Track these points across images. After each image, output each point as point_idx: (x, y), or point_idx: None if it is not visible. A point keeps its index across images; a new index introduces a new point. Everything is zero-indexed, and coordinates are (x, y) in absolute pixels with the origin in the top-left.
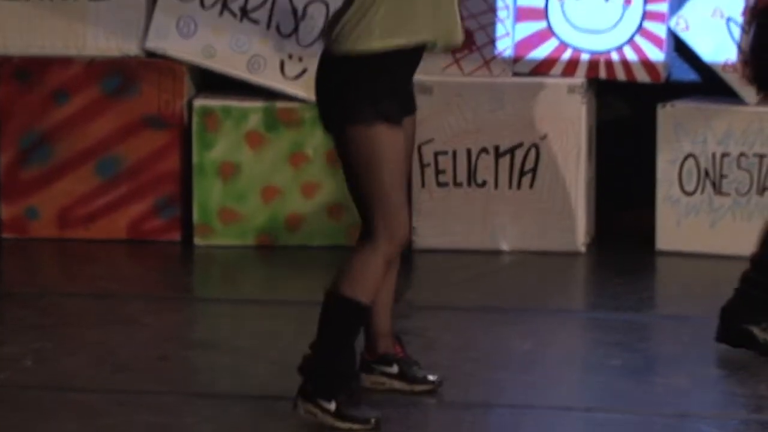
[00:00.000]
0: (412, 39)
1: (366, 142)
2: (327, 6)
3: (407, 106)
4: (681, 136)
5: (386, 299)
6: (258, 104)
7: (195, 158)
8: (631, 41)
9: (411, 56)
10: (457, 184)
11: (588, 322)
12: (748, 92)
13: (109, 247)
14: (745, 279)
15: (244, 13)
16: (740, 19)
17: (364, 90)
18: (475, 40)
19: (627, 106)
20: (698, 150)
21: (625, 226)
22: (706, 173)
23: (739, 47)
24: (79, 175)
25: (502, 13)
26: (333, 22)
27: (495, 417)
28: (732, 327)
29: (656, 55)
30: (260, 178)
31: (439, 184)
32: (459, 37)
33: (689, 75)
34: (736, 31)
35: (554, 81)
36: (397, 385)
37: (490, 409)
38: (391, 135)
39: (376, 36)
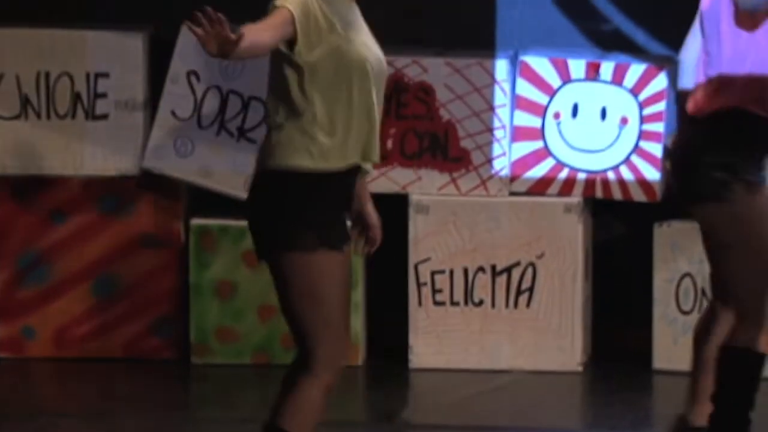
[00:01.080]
0: (345, 161)
1: (306, 270)
2: None
3: (346, 233)
4: (678, 255)
5: None
6: None
7: (192, 277)
8: (627, 161)
9: (346, 179)
10: (454, 303)
11: None
12: None
13: (105, 366)
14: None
15: (242, 132)
16: None
17: (304, 214)
18: (472, 159)
19: (623, 226)
20: (695, 269)
21: (622, 345)
22: (703, 292)
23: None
24: (75, 295)
25: (498, 133)
26: (266, 140)
27: None
28: None
29: (653, 174)
30: (257, 297)
31: (436, 303)
32: (377, 156)
33: None
34: None
35: (551, 200)
36: None
37: None
38: (333, 261)
39: (314, 155)
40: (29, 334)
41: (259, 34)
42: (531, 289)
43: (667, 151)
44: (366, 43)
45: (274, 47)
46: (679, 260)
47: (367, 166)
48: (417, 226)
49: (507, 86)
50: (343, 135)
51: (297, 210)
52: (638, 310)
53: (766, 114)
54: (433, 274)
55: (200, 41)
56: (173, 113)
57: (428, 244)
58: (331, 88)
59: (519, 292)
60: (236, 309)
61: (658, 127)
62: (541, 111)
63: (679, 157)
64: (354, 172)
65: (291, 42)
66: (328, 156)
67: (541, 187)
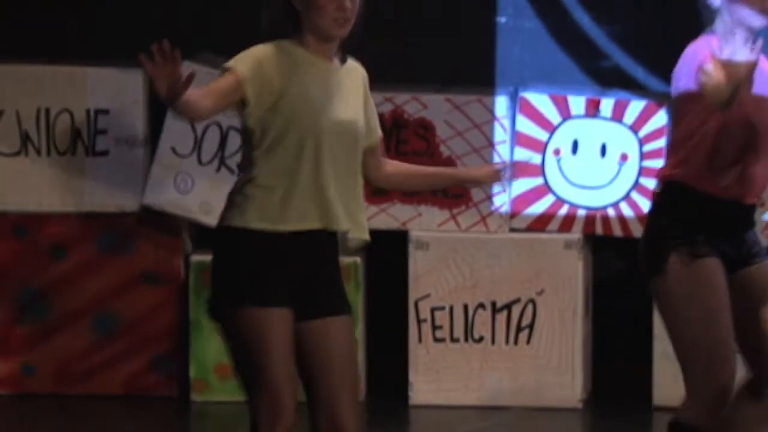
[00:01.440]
0: (285, 224)
1: (235, 327)
2: None
3: (309, 301)
4: None
5: None
6: None
7: (192, 314)
8: (627, 197)
9: (299, 242)
10: (454, 339)
11: None
12: None
13: (105, 403)
14: None
15: None
16: None
17: (232, 271)
18: (472, 196)
19: (623, 262)
20: None
21: (623, 381)
22: None
23: None
24: (75, 332)
25: None
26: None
27: None
28: None
29: None
30: None
31: (436, 340)
32: (341, 225)
33: None
34: None
35: (551, 237)
36: None
37: None
38: (266, 318)
39: (245, 213)
40: (29, 370)
41: (199, 97)
42: (531, 326)
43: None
44: (330, 106)
45: (212, 115)
46: None
47: (354, 234)
48: (417, 262)
49: (507, 123)
50: (283, 199)
51: (227, 266)
52: (638, 347)
53: (701, 189)
54: (433, 310)
55: (151, 77)
56: (173, 150)
57: (428, 281)
58: (278, 150)
59: (519, 329)
60: None
61: (658, 163)
62: (542, 147)
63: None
64: (319, 236)
65: (244, 101)
66: (265, 217)
67: (541, 223)
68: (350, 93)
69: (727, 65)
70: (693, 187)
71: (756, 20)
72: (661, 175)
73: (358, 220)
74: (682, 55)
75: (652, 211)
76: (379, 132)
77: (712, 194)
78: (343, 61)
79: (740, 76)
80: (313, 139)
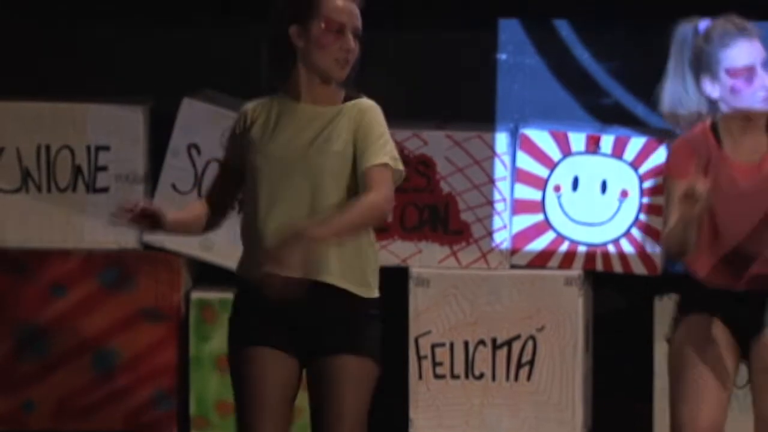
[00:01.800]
0: (250, 273)
1: (230, 367)
2: None
3: (309, 344)
4: None
5: None
6: None
7: (192, 351)
8: (627, 234)
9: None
10: (454, 376)
11: None
12: None
13: None
14: None
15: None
16: None
17: (232, 314)
18: (473, 232)
19: (624, 298)
20: None
21: (623, 418)
22: None
23: None
24: (76, 368)
25: (499, 206)
26: None
27: None
28: None
29: (653, 247)
30: None
31: (436, 376)
32: (296, 271)
33: None
34: None
35: (551, 273)
36: None
37: None
38: (243, 358)
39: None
40: (29, 407)
41: (199, 204)
42: (531, 362)
43: None
44: (298, 151)
45: (228, 206)
46: None
47: (322, 279)
48: (417, 299)
49: (507, 159)
50: (250, 247)
51: (231, 309)
52: (639, 383)
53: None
54: (433, 347)
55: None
56: (174, 186)
57: (429, 317)
58: (247, 199)
59: (519, 365)
60: None
61: (659, 200)
62: (542, 184)
63: None
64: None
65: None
66: (240, 265)
67: (541, 260)
68: (332, 134)
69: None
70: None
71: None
72: None
73: (329, 264)
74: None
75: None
76: (370, 161)
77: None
78: (348, 99)
79: (691, 216)
80: (260, 186)
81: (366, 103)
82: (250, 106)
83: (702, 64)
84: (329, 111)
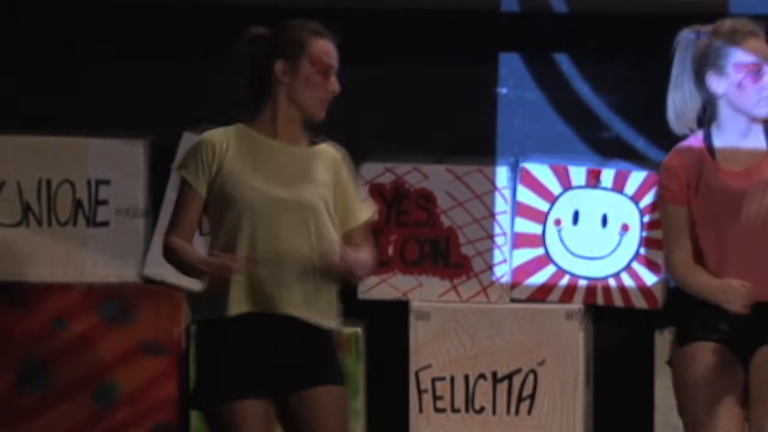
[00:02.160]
0: (223, 311)
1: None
2: None
3: (289, 378)
4: None
5: None
6: None
7: (192, 384)
8: (628, 268)
9: (247, 327)
10: (454, 410)
11: None
12: None
13: None
14: None
15: None
16: None
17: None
18: (473, 266)
19: (624, 332)
20: None
21: None
22: None
23: None
24: (76, 402)
25: (499, 240)
26: None
27: None
28: None
29: (654, 281)
30: None
31: (437, 410)
32: (281, 308)
33: None
34: None
35: (552, 307)
36: None
37: None
38: (231, 413)
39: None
40: None
41: (185, 243)
42: (532, 396)
43: None
44: (275, 187)
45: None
46: None
47: (307, 318)
48: (418, 332)
49: (508, 193)
50: (228, 282)
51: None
52: (639, 417)
53: None
54: (434, 380)
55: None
56: None
57: (429, 351)
58: (220, 231)
59: (520, 399)
60: None
61: (659, 234)
62: (542, 218)
63: None
64: (270, 320)
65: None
66: (206, 301)
67: (542, 294)
68: (314, 175)
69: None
70: None
71: (758, 111)
72: None
73: (313, 304)
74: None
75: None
76: (360, 218)
77: None
78: (314, 143)
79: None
80: (249, 221)
81: (336, 150)
82: (213, 135)
83: (708, 60)
84: (305, 152)
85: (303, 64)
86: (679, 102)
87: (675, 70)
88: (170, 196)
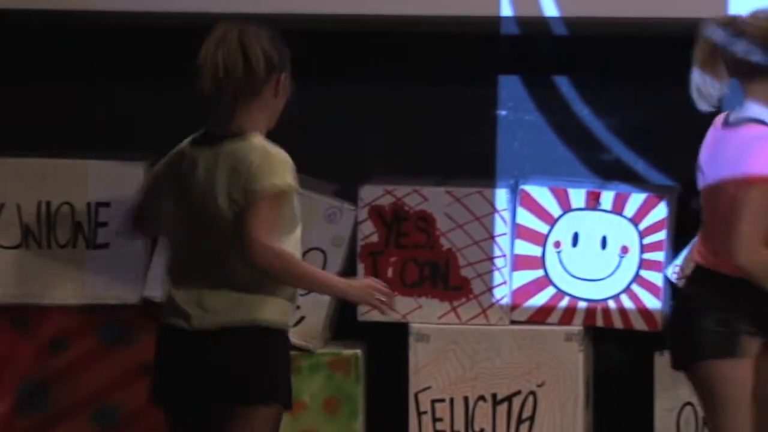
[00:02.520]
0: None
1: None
2: (324, 254)
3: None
4: (678, 384)
5: None
6: None
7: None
8: (627, 290)
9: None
10: None
11: None
12: None
13: None
14: None
15: None
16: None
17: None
18: (473, 288)
19: (624, 354)
20: (696, 399)
21: None
22: (704, 422)
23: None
24: (75, 425)
25: (499, 262)
26: None
27: None
28: None
29: (653, 303)
30: None
31: None
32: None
33: None
34: None
35: (551, 329)
36: None
37: None
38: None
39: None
40: None
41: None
42: (532, 418)
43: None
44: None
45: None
46: (680, 389)
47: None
48: (417, 354)
49: (507, 215)
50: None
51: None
52: None
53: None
54: (433, 402)
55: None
56: None
57: (428, 373)
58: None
59: (520, 421)
60: None
61: (659, 256)
62: (542, 240)
63: (679, 312)
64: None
65: None
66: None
67: (541, 315)
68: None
69: None
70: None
71: None
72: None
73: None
74: (726, 142)
75: (703, 293)
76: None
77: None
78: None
79: None
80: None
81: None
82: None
83: (745, 35)
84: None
85: (286, 78)
86: (698, 79)
87: (694, 58)
88: None
